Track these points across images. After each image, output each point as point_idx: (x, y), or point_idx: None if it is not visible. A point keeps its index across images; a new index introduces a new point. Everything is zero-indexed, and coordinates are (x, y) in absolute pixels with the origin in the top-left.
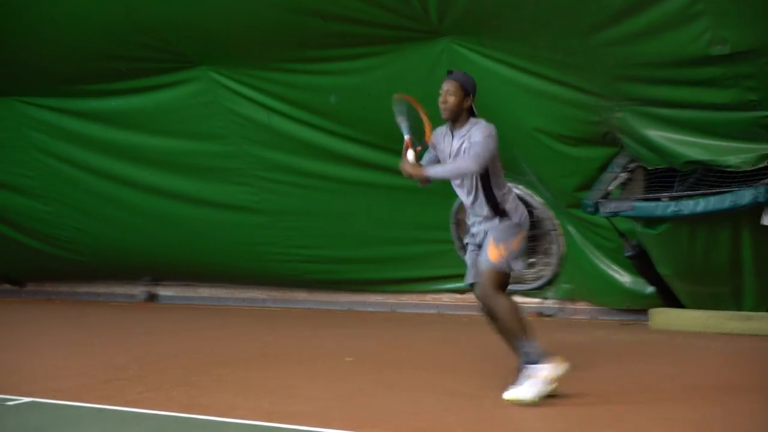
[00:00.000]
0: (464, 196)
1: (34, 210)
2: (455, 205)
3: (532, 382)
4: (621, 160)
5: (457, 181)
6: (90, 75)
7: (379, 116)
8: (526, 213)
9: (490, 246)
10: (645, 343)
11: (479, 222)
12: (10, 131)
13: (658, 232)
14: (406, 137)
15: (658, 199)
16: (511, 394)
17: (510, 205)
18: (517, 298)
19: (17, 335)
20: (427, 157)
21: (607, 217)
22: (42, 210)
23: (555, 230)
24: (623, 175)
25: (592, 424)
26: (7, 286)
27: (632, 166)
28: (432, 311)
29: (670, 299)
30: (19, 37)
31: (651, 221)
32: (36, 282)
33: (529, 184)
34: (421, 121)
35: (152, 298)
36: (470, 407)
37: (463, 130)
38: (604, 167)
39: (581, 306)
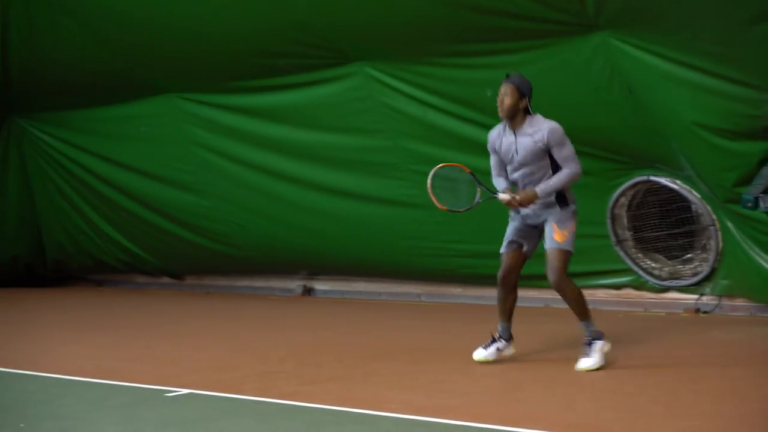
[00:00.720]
0: (531, 184)
1: (193, 204)
2: (611, 200)
3: (596, 355)
4: None
5: (525, 170)
6: (248, 71)
7: (535, 110)
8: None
9: (554, 230)
10: None
11: (539, 207)
12: (170, 127)
13: None
14: (495, 196)
15: None
16: (581, 365)
17: (570, 194)
18: (674, 294)
19: (177, 328)
20: (492, 161)
21: (766, 213)
22: (200, 205)
23: (713, 225)
24: None
25: (749, 422)
26: (167, 280)
27: None
28: None
29: None
30: (180, 35)
31: None
32: (195, 276)
33: (686, 179)
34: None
35: (309, 291)
36: (627, 404)
37: (527, 128)
38: (764, 162)
39: (740, 302)
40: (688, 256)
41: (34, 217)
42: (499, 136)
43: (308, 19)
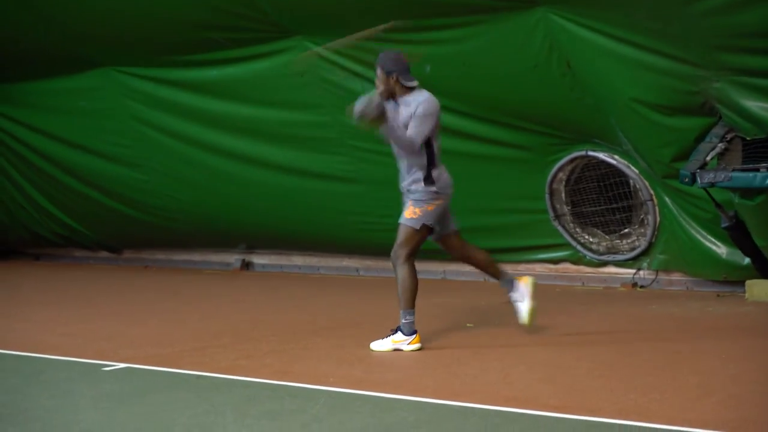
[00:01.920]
0: (403, 160)
1: (131, 178)
2: (550, 175)
3: (388, 343)
4: (718, 131)
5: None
6: (187, 45)
7: (475, 86)
8: (449, 183)
9: (408, 208)
10: (740, 315)
11: (408, 184)
12: (108, 101)
13: (756, 203)
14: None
15: (756, 170)
16: (372, 344)
17: (436, 173)
18: (612, 269)
19: (114, 302)
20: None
21: (703, 188)
22: (139, 179)
23: (651, 200)
24: (721, 146)
25: (685, 395)
26: (105, 254)
27: (730, 136)
28: None
29: (766, 271)
30: (116, 7)
31: (748, 192)
32: (133, 249)
33: (625, 154)
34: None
35: (247, 266)
36: (564, 377)
37: (409, 101)
38: (701, 138)
39: (676, 277)
40: (626, 230)
41: None
42: (390, 104)
43: None
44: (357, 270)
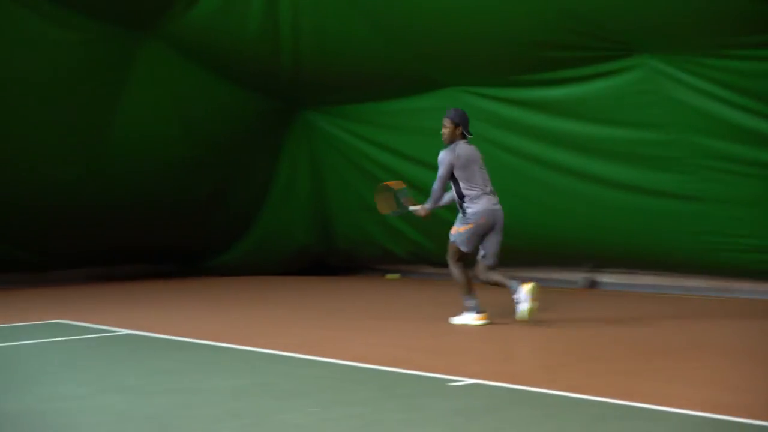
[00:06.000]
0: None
1: None
2: None
3: (466, 317)
4: None
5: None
6: (530, 64)
7: None
8: (481, 212)
9: (453, 228)
10: None
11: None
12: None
13: None
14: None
15: None
16: (454, 320)
17: (468, 204)
18: None
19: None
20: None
21: None
22: None
23: None
24: None
25: None
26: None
27: None
28: None
29: None
30: (463, 29)
31: None
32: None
33: None
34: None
35: (593, 284)
36: None
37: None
38: None
39: None
40: None
41: (323, 208)
42: None
43: (589, 10)
44: (705, 290)
